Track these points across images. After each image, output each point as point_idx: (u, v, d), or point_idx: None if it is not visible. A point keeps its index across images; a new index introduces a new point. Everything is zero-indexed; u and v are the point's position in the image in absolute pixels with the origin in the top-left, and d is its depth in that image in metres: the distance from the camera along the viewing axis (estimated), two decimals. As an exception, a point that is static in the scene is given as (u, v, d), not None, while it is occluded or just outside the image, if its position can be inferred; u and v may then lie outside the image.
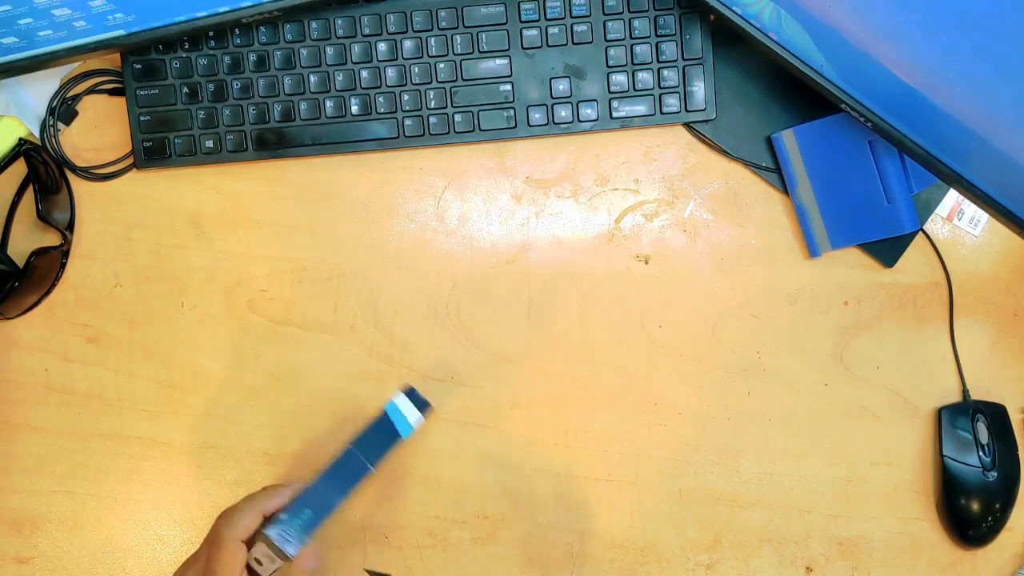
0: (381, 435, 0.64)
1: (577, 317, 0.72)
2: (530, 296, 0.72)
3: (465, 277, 0.72)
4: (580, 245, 0.72)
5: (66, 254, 0.72)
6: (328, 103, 0.70)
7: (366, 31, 0.70)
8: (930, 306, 0.72)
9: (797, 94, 0.70)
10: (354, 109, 0.71)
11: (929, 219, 0.72)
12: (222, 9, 0.64)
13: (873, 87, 0.60)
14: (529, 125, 0.71)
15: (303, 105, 0.70)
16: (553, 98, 0.71)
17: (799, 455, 0.72)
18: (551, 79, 0.71)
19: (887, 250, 0.72)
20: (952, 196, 0.72)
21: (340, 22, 0.70)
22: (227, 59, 0.70)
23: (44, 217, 0.69)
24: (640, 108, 0.71)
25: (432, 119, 0.71)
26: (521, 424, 0.72)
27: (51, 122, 0.71)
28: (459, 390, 0.72)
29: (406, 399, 0.65)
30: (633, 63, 0.71)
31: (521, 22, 0.70)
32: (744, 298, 0.72)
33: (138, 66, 0.70)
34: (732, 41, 0.71)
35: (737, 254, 0.72)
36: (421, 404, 0.65)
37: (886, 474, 0.72)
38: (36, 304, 0.72)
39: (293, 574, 0.60)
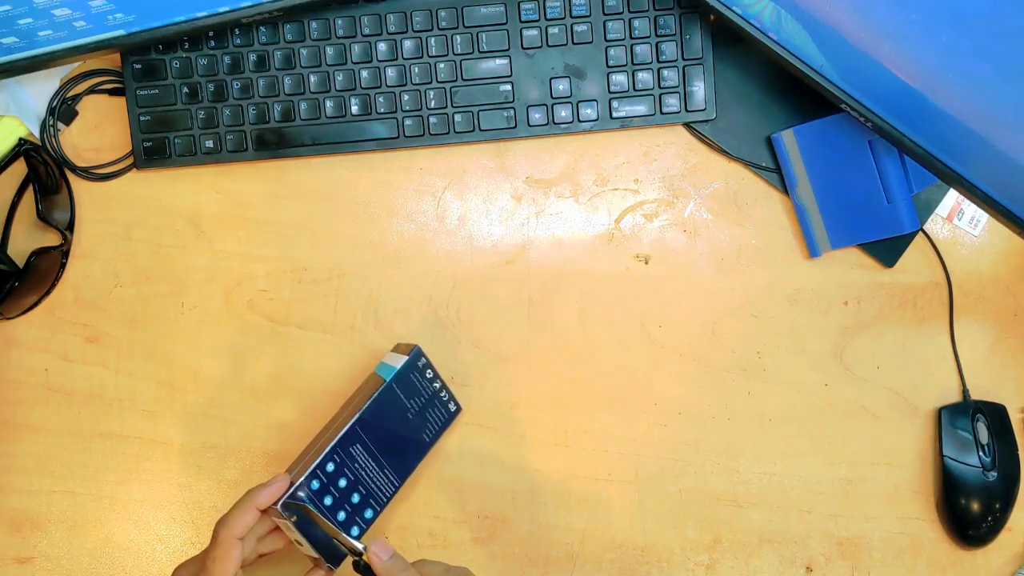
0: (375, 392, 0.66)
1: (577, 317, 0.72)
2: (530, 296, 0.72)
3: (465, 277, 0.72)
4: (580, 245, 0.72)
5: (66, 254, 0.72)
6: (328, 103, 0.70)
7: (366, 31, 0.70)
8: (930, 306, 0.72)
9: (797, 94, 0.70)
10: (354, 109, 0.71)
11: (929, 219, 0.72)
12: (222, 9, 0.64)
13: (873, 87, 0.60)
14: (529, 125, 0.71)
15: (303, 105, 0.70)
16: (553, 98, 0.71)
17: (799, 455, 0.72)
18: (551, 79, 0.71)
19: (887, 250, 0.72)
20: (952, 196, 0.72)
21: (340, 22, 0.70)
22: (227, 59, 0.70)
23: (44, 217, 0.69)
24: (640, 108, 0.71)
25: (432, 119, 0.71)
26: (521, 424, 0.72)
27: (51, 122, 0.71)
28: (459, 390, 0.72)
29: (397, 356, 0.68)
30: (633, 63, 0.71)
31: (521, 22, 0.70)
32: (744, 298, 0.72)
33: (138, 66, 0.70)
34: (732, 41, 0.71)
35: (737, 254, 0.72)
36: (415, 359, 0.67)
37: (886, 474, 0.72)
38: (36, 304, 0.72)
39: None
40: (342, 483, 0.62)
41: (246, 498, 0.59)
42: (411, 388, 0.66)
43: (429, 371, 0.67)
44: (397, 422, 0.66)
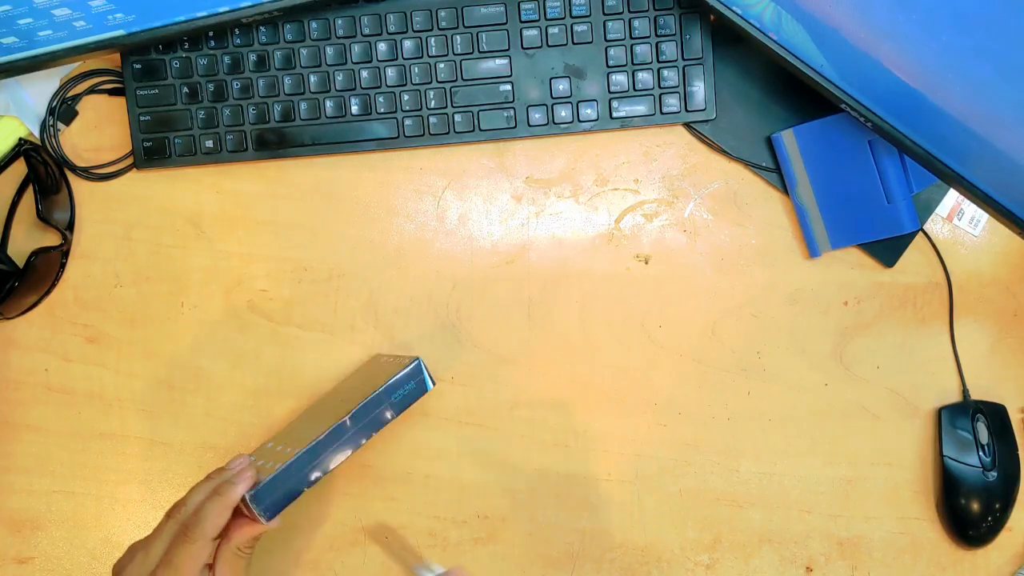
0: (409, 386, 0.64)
1: (577, 317, 0.72)
2: (530, 296, 0.72)
3: (465, 277, 0.72)
4: (580, 245, 0.72)
5: (66, 254, 0.72)
6: (328, 103, 0.70)
7: (366, 31, 0.70)
8: (930, 306, 0.72)
9: (797, 94, 0.70)
10: (354, 109, 0.71)
11: (929, 219, 0.72)
12: (222, 9, 0.64)
13: (873, 87, 0.60)
14: (529, 125, 0.71)
15: (303, 105, 0.70)
16: (553, 98, 0.71)
17: (799, 455, 0.72)
18: (551, 79, 0.71)
19: (887, 250, 0.72)
20: (952, 196, 0.72)
21: (340, 22, 0.70)
22: (227, 59, 0.70)
23: (44, 217, 0.69)
24: (640, 108, 0.71)
25: (432, 119, 0.71)
26: (521, 424, 0.72)
27: (51, 122, 0.71)
28: (459, 390, 0.72)
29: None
30: (633, 63, 0.71)
31: (521, 22, 0.70)
32: (744, 298, 0.72)
33: (138, 66, 0.70)
34: (732, 41, 0.71)
35: (737, 254, 0.72)
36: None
37: (886, 474, 0.72)
38: (36, 304, 0.72)
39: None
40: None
41: (222, 499, 0.57)
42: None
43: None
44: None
